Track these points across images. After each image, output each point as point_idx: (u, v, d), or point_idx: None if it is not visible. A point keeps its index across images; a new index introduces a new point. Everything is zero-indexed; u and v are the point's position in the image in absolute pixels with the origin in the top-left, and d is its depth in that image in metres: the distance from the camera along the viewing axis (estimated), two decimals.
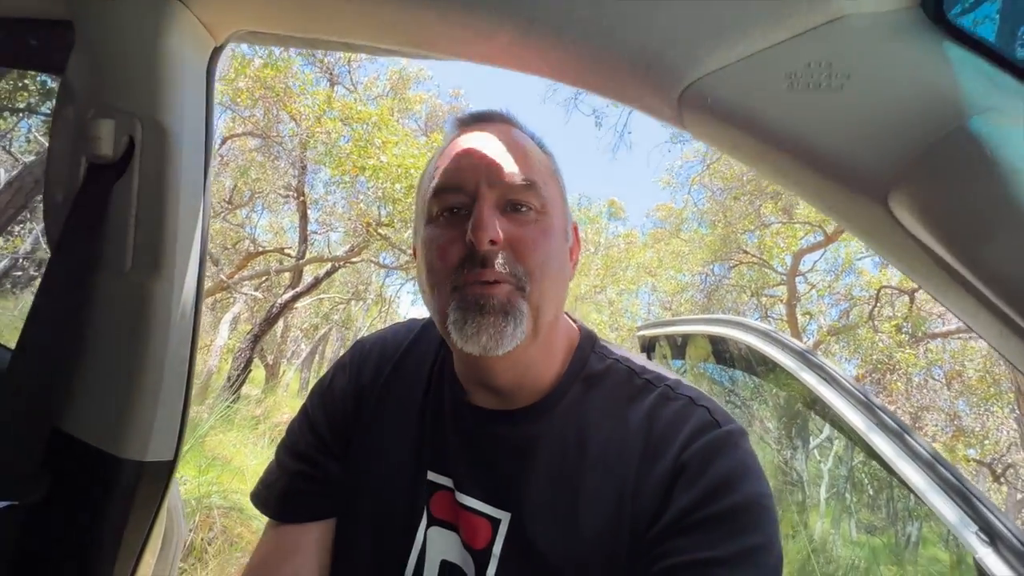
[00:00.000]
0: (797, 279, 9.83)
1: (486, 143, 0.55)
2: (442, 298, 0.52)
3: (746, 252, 10.45)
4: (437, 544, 0.56)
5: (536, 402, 0.56)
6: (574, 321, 0.64)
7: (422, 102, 10.23)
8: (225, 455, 5.00)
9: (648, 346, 2.02)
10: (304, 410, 0.66)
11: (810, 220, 9.13)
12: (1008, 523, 0.69)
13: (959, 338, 8.25)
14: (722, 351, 1.93)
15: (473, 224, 0.50)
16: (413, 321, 0.70)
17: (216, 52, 0.60)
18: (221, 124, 7.86)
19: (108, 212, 0.54)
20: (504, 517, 0.53)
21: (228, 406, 6.37)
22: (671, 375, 0.59)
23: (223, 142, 7.99)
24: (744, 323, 1.38)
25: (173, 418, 0.56)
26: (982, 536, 0.69)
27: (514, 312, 0.50)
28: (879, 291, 8.84)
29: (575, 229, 0.62)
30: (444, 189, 0.54)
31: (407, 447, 0.59)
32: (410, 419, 0.60)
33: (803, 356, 1.13)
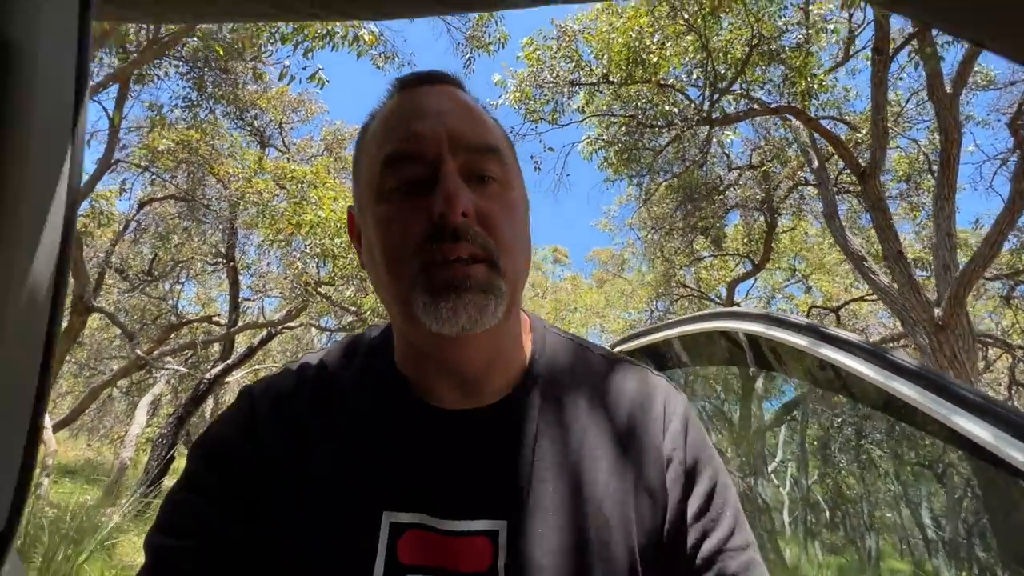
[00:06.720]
0: (733, 308, 10.31)
1: (441, 105, 0.50)
2: (406, 280, 0.47)
3: (685, 286, 10.93)
4: None
5: (509, 395, 0.53)
6: None
7: None
8: (142, 562, 4.26)
9: None
10: (186, 476, 0.52)
11: (739, 252, 9.74)
12: None
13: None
14: (664, 357, 1.83)
15: (443, 196, 0.45)
16: (297, 365, 0.58)
17: None
18: (136, 188, 7.32)
19: None
20: (500, 526, 0.47)
21: (145, 501, 5.53)
22: (604, 346, 0.62)
23: (140, 207, 7.41)
24: (733, 312, 1.30)
25: (5, 466, 0.36)
26: None
27: (493, 289, 0.47)
28: (809, 311, 9.45)
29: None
30: (400, 159, 0.48)
31: (348, 494, 0.49)
32: (347, 461, 0.50)
33: (813, 329, 1.08)
